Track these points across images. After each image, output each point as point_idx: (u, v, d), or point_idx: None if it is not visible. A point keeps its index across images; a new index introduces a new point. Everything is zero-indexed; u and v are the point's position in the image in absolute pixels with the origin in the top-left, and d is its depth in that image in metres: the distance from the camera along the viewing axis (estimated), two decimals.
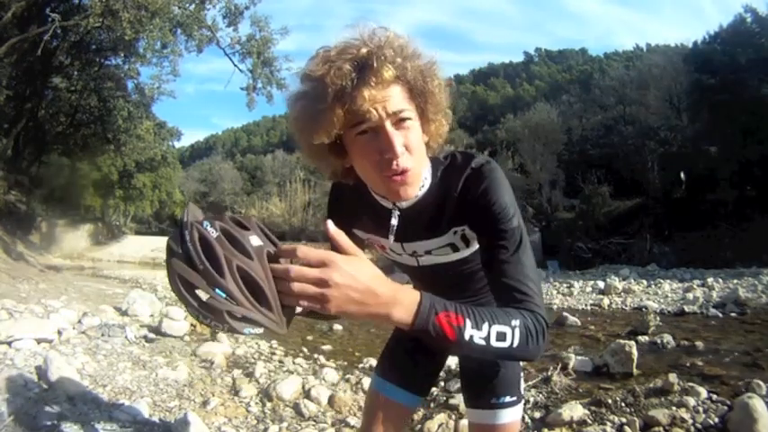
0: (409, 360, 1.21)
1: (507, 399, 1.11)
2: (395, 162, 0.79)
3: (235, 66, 14.08)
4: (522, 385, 1.17)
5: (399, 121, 0.79)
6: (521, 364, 1.17)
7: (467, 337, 0.68)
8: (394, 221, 0.94)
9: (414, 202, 0.92)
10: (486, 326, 0.69)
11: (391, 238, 0.96)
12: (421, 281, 1.16)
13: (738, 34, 15.41)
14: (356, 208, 1.02)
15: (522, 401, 1.16)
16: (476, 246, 0.98)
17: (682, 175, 14.67)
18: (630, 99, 19.84)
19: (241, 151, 52.34)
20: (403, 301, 0.66)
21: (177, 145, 28.83)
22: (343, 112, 0.75)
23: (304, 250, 0.62)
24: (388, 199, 0.91)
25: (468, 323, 0.68)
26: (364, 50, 0.75)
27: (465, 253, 1.01)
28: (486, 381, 1.12)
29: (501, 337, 0.70)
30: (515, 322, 0.72)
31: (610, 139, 19.54)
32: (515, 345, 0.71)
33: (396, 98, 0.78)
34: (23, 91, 14.81)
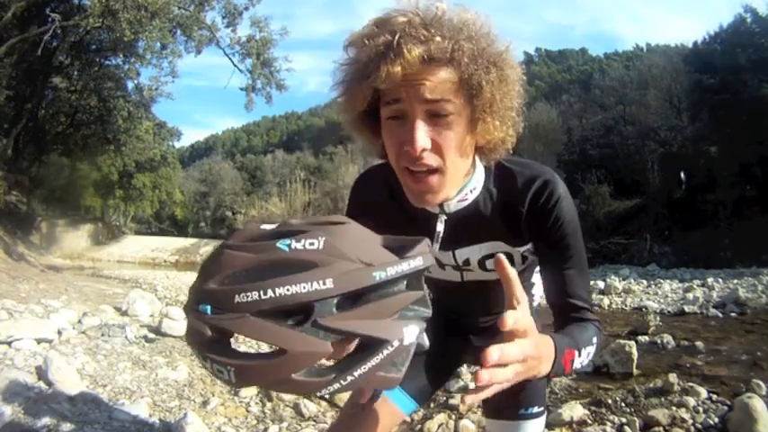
0: (420, 363, 1.08)
1: (535, 409, 1.04)
2: (414, 157, 0.68)
3: (235, 66, 14.11)
4: (547, 395, 1.11)
5: (435, 114, 0.68)
6: None
7: (574, 365, 0.71)
8: (440, 227, 0.82)
9: (463, 207, 0.82)
10: (583, 351, 0.73)
11: (436, 246, 0.83)
12: (455, 300, 1.05)
13: (738, 34, 15.40)
14: (389, 209, 0.89)
15: (546, 411, 1.09)
16: (528, 262, 0.91)
17: (682, 175, 14.66)
18: (630, 99, 19.85)
19: (241, 151, 52.42)
20: (548, 352, 0.63)
21: (177, 145, 28.89)
22: (370, 87, 0.67)
23: (517, 320, 0.52)
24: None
25: (576, 353, 0.71)
26: (401, 20, 0.66)
27: (518, 269, 0.91)
28: (515, 391, 1.01)
29: (588, 355, 0.75)
30: (594, 339, 0.77)
31: (610, 139, 19.54)
32: (591, 358, 0.77)
33: (434, 84, 0.66)
34: (23, 91, 14.81)
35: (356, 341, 0.44)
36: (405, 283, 0.46)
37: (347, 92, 0.71)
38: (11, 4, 11.27)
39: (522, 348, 0.54)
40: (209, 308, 0.42)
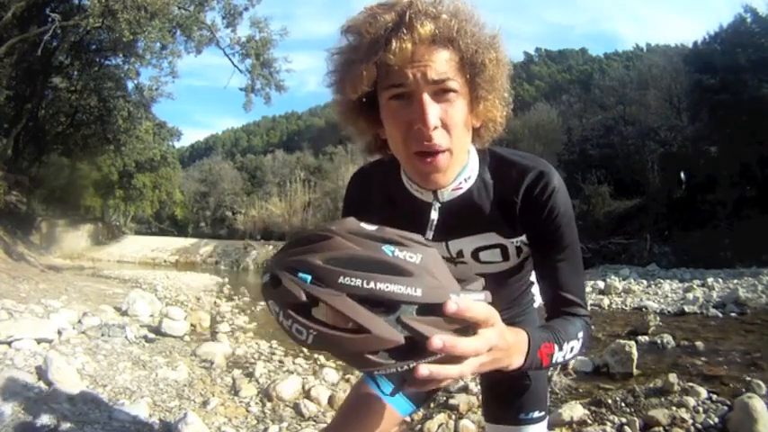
0: None
1: (536, 414, 1.02)
2: (426, 136, 0.69)
3: (235, 66, 14.11)
4: (548, 398, 1.09)
5: (441, 92, 0.69)
6: (548, 375, 1.13)
7: (554, 360, 0.71)
8: (434, 215, 0.82)
9: (457, 195, 0.82)
10: (565, 345, 0.73)
11: (430, 234, 0.84)
12: None
13: (738, 34, 15.39)
14: (384, 202, 0.89)
15: (548, 415, 1.07)
16: (523, 255, 0.90)
17: (682, 175, 14.64)
18: (630, 99, 19.81)
19: (241, 151, 52.32)
20: (519, 345, 0.63)
21: (177, 145, 28.85)
22: (375, 66, 0.67)
23: (467, 306, 0.51)
24: (424, 189, 0.81)
25: (556, 347, 0.72)
26: (406, 0, 0.67)
27: (512, 263, 0.91)
28: (514, 395, 1.03)
29: (571, 350, 0.75)
30: (580, 334, 0.77)
31: (610, 139, 19.51)
32: (577, 353, 0.77)
33: (440, 64, 0.68)
34: (23, 91, 14.80)
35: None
36: None
37: (349, 72, 0.69)
38: (11, 4, 11.27)
39: (477, 343, 0.52)
40: (309, 277, 0.49)
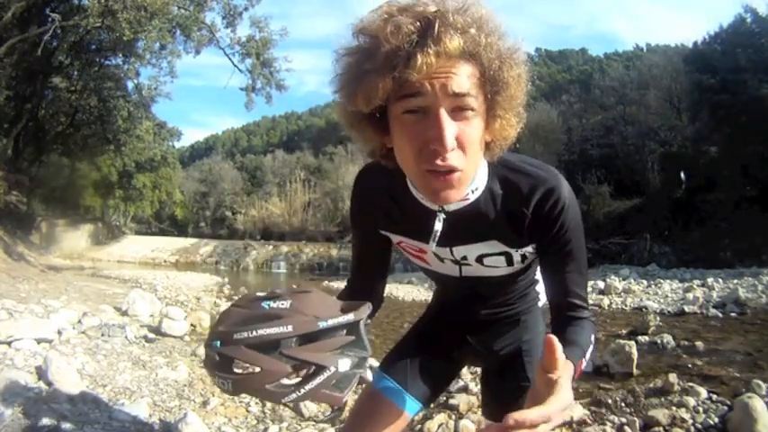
0: (423, 364, 1.09)
1: None
2: (440, 157, 0.65)
3: (235, 66, 14.11)
4: None
5: (459, 109, 0.65)
6: None
7: (582, 369, 0.77)
8: (438, 226, 0.81)
9: (463, 206, 0.80)
10: (587, 353, 0.79)
11: (433, 244, 0.83)
12: (455, 292, 1.07)
13: (738, 34, 15.39)
14: (388, 205, 0.88)
15: None
16: (528, 262, 0.92)
17: (682, 175, 14.64)
18: (630, 99, 19.78)
19: (241, 151, 52.26)
20: (570, 382, 0.65)
21: (177, 145, 28.81)
22: (391, 79, 0.62)
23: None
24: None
25: (584, 360, 0.77)
26: (432, 9, 0.62)
27: (517, 268, 0.92)
28: (513, 397, 1.02)
29: (590, 354, 0.81)
30: (592, 337, 0.82)
31: (610, 139, 19.48)
32: (592, 355, 0.83)
33: (461, 78, 0.64)
34: (23, 91, 14.78)
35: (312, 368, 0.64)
36: (344, 330, 0.66)
37: (363, 84, 0.64)
38: (11, 4, 11.25)
39: (551, 408, 0.57)
40: (218, 342, 0.62)
